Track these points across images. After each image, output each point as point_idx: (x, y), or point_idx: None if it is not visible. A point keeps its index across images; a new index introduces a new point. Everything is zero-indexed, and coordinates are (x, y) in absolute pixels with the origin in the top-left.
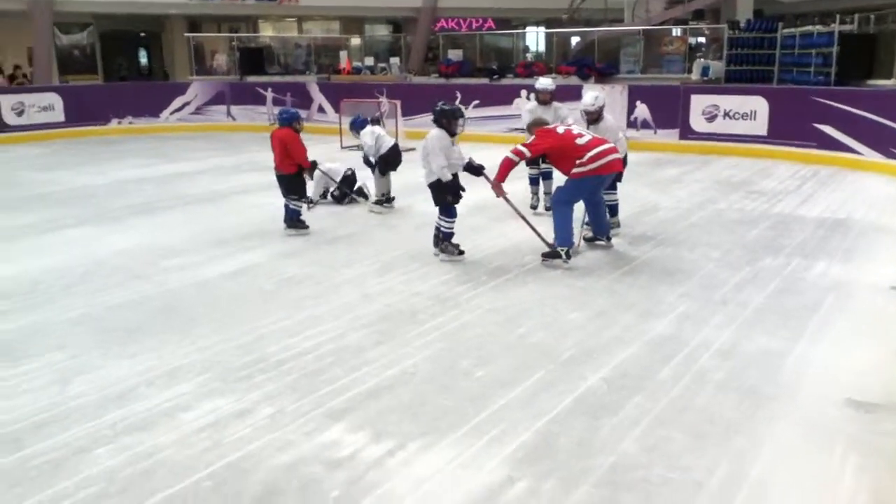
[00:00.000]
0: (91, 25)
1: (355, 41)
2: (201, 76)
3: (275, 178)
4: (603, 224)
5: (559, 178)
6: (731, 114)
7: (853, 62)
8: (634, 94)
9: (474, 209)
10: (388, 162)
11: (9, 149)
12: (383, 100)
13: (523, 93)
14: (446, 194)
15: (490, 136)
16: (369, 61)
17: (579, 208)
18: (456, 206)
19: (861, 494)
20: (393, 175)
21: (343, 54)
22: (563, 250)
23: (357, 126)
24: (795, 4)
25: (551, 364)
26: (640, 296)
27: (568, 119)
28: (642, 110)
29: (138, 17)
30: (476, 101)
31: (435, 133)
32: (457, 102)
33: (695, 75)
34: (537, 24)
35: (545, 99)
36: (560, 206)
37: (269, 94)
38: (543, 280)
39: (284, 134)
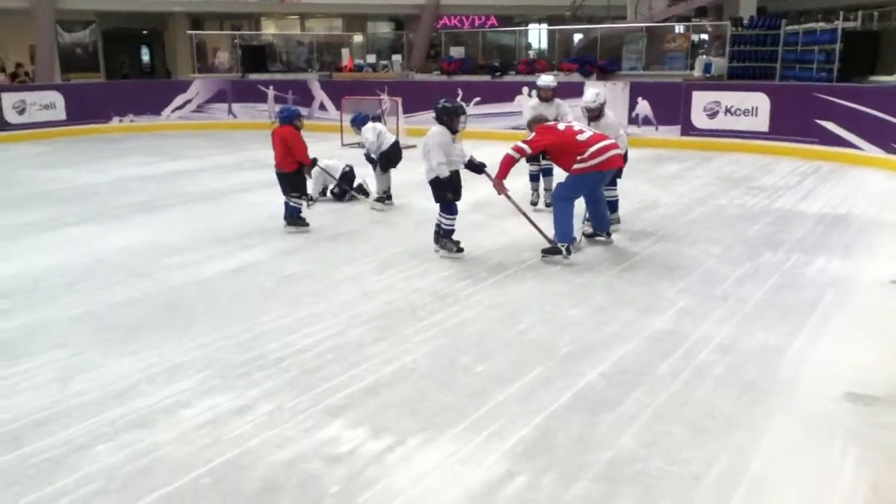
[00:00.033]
0: (93, 23)
1: (357, 39)
2: (203, 74)
3: (275, 176)
4: (603, 220)
5: (559, 175)
6: (732, 110)
7: (856, 59)
8: (636, 91)
9: (475, 206)
10: (389, 159)
11: (10, 147)
12: (385, 97)
13: (525, 90)
14: (446, 191)
15: (492, 134)
16: (371, 59)
17: (580, 205)
18: (457, 203)
19: (860, 488)
20: (393, 172)
21: (345, 52)
22: (563, 246)
23: (358, 122)
24: (799, 1)
25: (550, 360)
26: (639, 291)
27: (568, 116)
28: (644, 107)
29: (140, 15)
30: (478, 99)
31: (436, 130)
32: (458, 100)
33: (697, 72)
34: (540, 21)
35: (547, 96)
36: (561, 202)
37: (271, 92)
38: (543, 276)
39: (286, 132)
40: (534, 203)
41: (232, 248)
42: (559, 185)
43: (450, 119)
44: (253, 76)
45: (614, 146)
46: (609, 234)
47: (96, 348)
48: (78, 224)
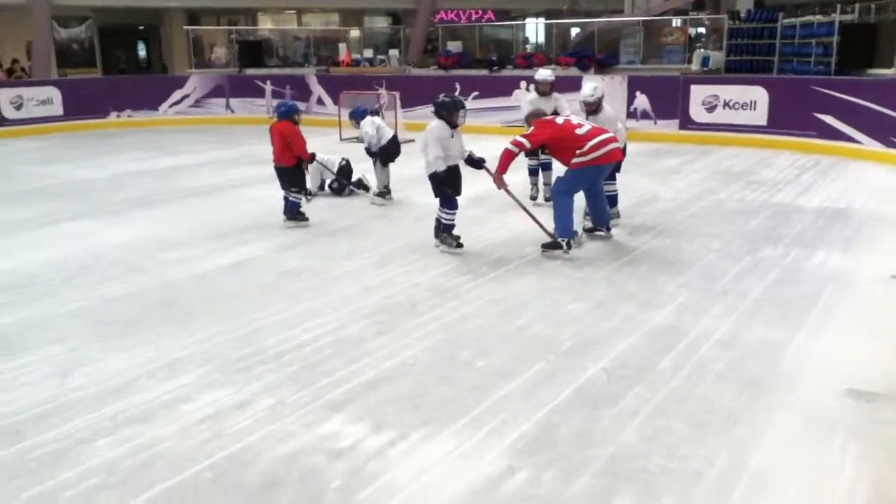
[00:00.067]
0: (90, 19)
1: (354, 33)
2: (200, 69)
3: (273, 171)
4: (603, 215)
5: (558, 169)
6: (730, 104)
7: (854, 52)
8: (634, 85)
9: (475, 201)
10: (388, 153)
11: (7, 143)
12: (382, 92)
13: (523, 84)
14: (445, 186)
15: (489, 128)
16: (368, 53)
17: (579, 199)
18: (457, 197)
19: (861, 484)
20: (392, 167)
21: (342, 46)
22: (563, 241)
23: (357, 116)
24: None
25: (551, 355)
26: (639, 286)
27: (566, 110)
28: (642, 101)
29: (137, 11)
30: (475, 93)
31: (434, 124)
32: (456, 94)
33: (695, 66)
34: (537, 15)
35: (545, 90)
36: (561, 196)
37: (268, 87)
38: (543, 271)
39: (284, 127)
40: (533, 198)
41: (230, 244)
42: (559, 179)
43: (449, 114)
44: (250, 71)
45: (613, 139)
46: (609, 229)
47: (94, 343)
48: (74, 219)
